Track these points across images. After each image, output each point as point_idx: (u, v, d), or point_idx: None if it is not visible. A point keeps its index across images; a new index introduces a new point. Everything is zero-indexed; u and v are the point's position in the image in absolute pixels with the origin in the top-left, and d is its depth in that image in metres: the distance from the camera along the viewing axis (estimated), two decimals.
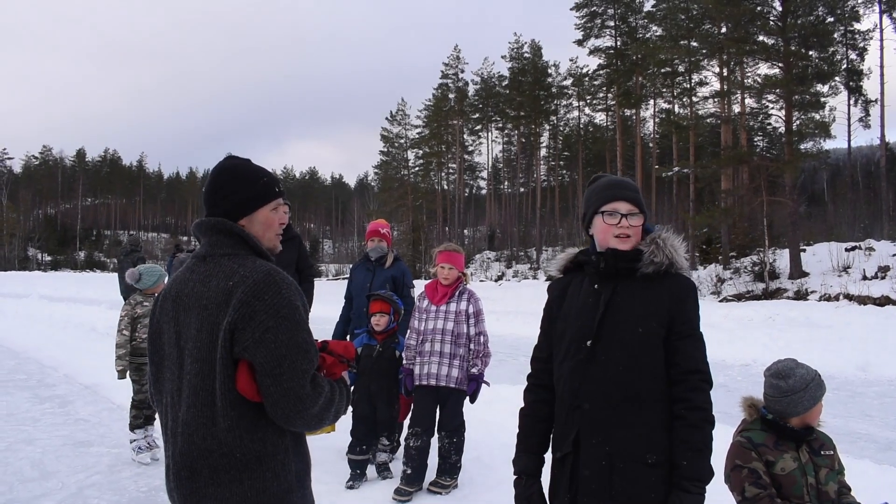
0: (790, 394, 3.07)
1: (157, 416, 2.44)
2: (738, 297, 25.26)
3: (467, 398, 5.60)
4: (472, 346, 5.58)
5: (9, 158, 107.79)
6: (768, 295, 24.75)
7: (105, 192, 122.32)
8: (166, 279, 6.86)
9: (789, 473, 2.98)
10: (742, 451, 3.07)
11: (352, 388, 5.68)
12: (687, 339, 2.45)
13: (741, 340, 14.11)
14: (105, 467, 6.37)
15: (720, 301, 25.42)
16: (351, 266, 7.14)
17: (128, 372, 6.53)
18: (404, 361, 5.74)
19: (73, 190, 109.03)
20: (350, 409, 5.79)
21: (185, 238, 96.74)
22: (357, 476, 5.76)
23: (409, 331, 5.81)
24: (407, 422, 5.76)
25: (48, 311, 20.49)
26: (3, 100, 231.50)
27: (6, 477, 6.05)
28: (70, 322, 17.69)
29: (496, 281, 45.88)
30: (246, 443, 2.15)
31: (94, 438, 7.31)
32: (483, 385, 5.62)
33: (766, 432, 3.09)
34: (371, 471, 5.96)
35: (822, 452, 3.05)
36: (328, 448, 6.12)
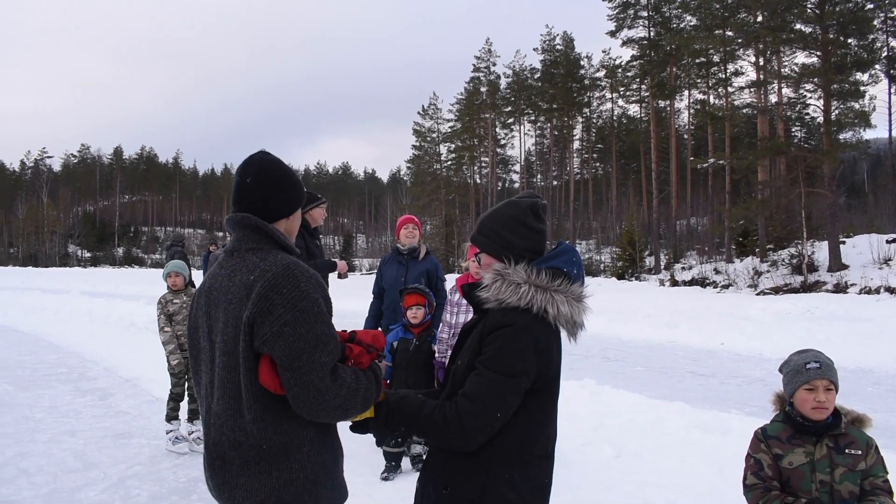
0: (785, 369, 3.14)
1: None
2: (776, 291, 24.94)
3: None
4: None
5: (48, 157, 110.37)
6: (807, 288, 24.42)
7: (142, 189, 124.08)
8: (181, 271, 7.00)
9: (797, 468, 2.97)
10: (753, 441, 3.14)
11: (388, 381, 5.73)
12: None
13: (778, 334, 13.93)
14: (145, 458, 6.48)
15: (757, 294, 25.13)
16: (380, 261, 7.17)
17: (182, 364, 6.73)
18: (437, 355, 5.76)
19: (111, 187, 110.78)
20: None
21: (220, 234, 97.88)
22: (392, 468, 5.81)
23: (441, 324, 5.83)
24: None
25: (88, 306, 20.85)
26: (41, 100, 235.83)
27: (50, 468, 6.18)
28: (110, 317, 18.00)
29: None
30: (270, 435, 2.18)
31: (135, 430, 7.44)
32: None
33: (784, 425, 3.10)
34: (406, 463, 6.01)
35: (847, 451, 2.96)
36: (363, 440, 6.15)
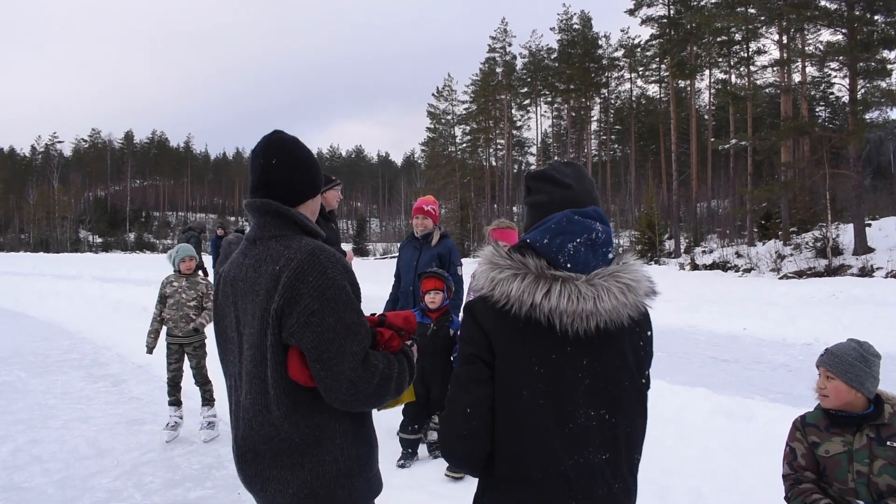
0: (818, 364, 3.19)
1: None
2: (800, 275, 24.75)
3: None
4: None
5: (59, 142, 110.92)
6: (831, 272, 24.22)
7: (153, 174, 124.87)
8: (189, 254, 7.00)
9: (833, 457, 2.98)
10: (791, 430, 3.20)
11: None
12: None
13: (803, 319, 13.80)
14: (158, 445, 6.51)
15: (780, 278, 24.95)
16: (399, 244, 7.15)
17: (154, 348, 6.79)
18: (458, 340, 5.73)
19: (121, 172, 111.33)
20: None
21: (231, 218, 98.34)
22: (408, 455, 5.81)
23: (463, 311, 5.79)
24: None
25: (100, 291, 20.95)
26: (52, 85, 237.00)
27: (62, 454, 6.22)
28: (122, 303, 18.07)
29: None
30: (302, 429, 2.16)
31: (147, 417, 7.47)
32: None
33: (823, 413, 3.10)
34: (422, 450, 6.01)
35: (889, 443, 2.94)
36: (379, 427, 6.10)
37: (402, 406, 5.86)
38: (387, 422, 6.17)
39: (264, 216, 2.28)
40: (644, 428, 2.11)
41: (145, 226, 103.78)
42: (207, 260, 20.52)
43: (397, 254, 7.13)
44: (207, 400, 6.86)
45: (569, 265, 1.97)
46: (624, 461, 2.02)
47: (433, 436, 5.99)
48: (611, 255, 2.04)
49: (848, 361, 3.03)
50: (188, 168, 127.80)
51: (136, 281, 26.47)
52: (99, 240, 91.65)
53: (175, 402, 6.79)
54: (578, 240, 1.99)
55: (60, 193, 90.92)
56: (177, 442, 6.59)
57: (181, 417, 6.81)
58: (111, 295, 19.86)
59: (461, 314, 2.20)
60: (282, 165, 2.32)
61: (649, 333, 2.11)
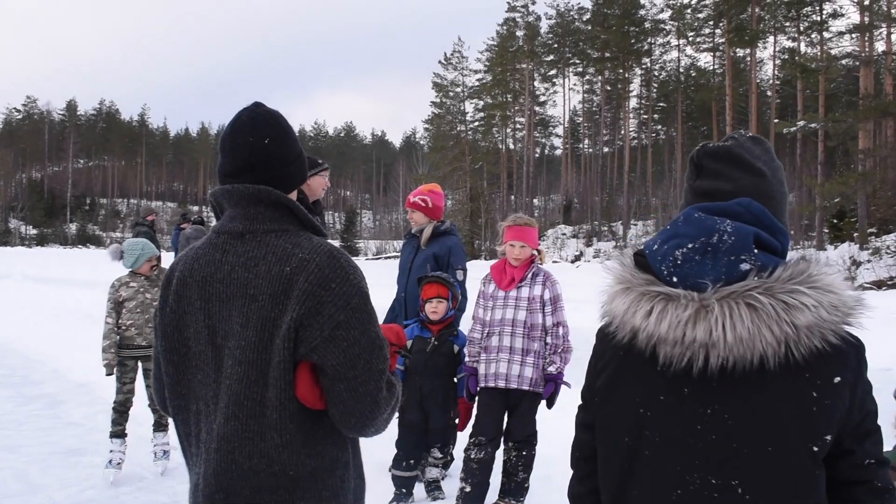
0: None
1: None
2: (879, 285, 24.71)
3: (543, 403, 5.58)
4: (548, 339, 5.55)
5: None
6: None
7: (100, 153, 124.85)
8: (155, 254, 6.97)
9: None
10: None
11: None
12: None
13: (881, 339, 13.74)
14: (100, 480, 6.51)
15: (855, 289, 24.93)
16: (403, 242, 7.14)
17: (115, 366, 6.66)
18: (467, 359, 5.74)
19: (62, 150, 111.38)
20: (396, 415, 5.85)
21: (195, 208, 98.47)
22: (402, 496, 5.81)
23: (473, 321, 5.79)
24: (466, 431, 5.76)
25: (34, 294, 21.03)
26: None
27: None
28: (61, 308, 18.13)
29: (573, 262, 45.69)
30: (302, 458, 2.16)
31: (89, 446, 7.48)
32: (563, 387, 5.59)
33: None
34: (419, 490, 6.01)
35: None
36: (368, 462, 6.07)
37: (396, 438, 5.87)
38: (379, 455, 6.17)
39: (256, 206, 2.25)
40: None
41: (90, 215, 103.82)
42: (167, 256, 20.54)
43: (398, 253, 7.12)
44: (163, 425, 6.86)
45: (674, 279, 1.77)
46: None
47: (432, 473, 5.99)
48: (745, 266, 1.72)
49: None
50: (143, 146, 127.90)
51: (79, 282, 26.53)
52: (33, 231, 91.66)
53: (120, 433, 6.70)
54: (691, 245, 1.77)
55: None
56: (123, 477, 6.59)
57: (124, 453, 6.72)
58: (48, 298, 19.91)
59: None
60: (275, 145, 2.31)
61: (837, 381, 1.70)
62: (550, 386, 5.50)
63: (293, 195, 2.39)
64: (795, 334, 1.64)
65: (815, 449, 1.69)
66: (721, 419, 1.72)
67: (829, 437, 1.70)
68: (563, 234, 57.81)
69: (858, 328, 1.73)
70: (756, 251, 1.72)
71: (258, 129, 2.30)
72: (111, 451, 6.64)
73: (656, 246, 1.84)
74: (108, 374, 6.66)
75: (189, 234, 14.06)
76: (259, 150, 2.28)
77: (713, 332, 1.66)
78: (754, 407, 1.69)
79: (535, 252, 5.72)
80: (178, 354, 2.31)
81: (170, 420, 6.81)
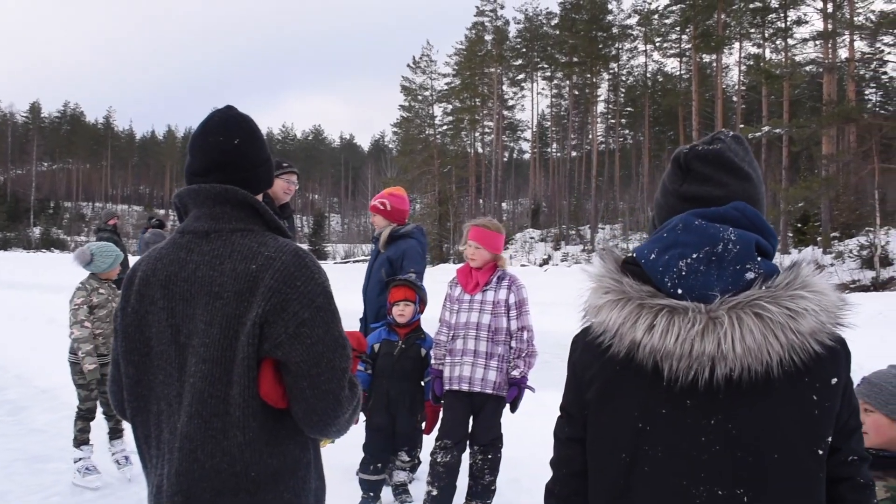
0: None
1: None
2: (841, 288, 24.97)
3: (507, 407, 5.60)
4: (513, 343, 5.57)
5: None
6: (879, 285, 24.54)
7: (65, 156, 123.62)
8: (121, 259, 6.95)
9: None
10: None
11: (366, 392, 5.74)
12: None
13: (850, 339, 13.93)
14: (66, 487, 6.46)
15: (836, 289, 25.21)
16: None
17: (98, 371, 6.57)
18: (433, 361, 5.76)
19: (25, 153, 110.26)
20: (363, 418, 5.86)
21: (161, 211, 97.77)
22: (369, 499, 5.83)
23: (439, 324, 5.81)
24: (433, 434, 5.78)
25: None
26: None
27: None
28: (23, 312, 17.96)
29: (541, 265, 45.79)
30: (265, 458, 2.17)
31: (53, 452, 7.41)
32: (527, 391, 5.61)
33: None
34: (387, 493, 6.03)
35: None
36: (335, 466, 6.15)
37: (364, 441, 5.87)
38: (346, 459, 6.17)
39: (222, 205, 2.27)
40: None
41: (54, 219, 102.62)
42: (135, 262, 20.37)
43: (367, 257, 7.13)
44: (119, 431, 6.84)
45: (679, 291, 1.72)
46: None
47: (400, 476, 6.01)
48: (750, 275, 1.69)
49: (889, 391, 3.03)
50: (108, 149, 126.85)
51: (42, 286, 26.29)
52: None
53: (87, 440, 6.67)
54: (695, 255, 1.72)
55: None
56: (88, 482, 6.52)
57: (91, 458, 6.69)
58: (10, 303, 19.72)
59: None
60: (245, 147, 2.34)
61: (834, 382, 1.72)
62: (514, 390, 5.50)
63: (259, 198, 2.40)
64: (800, 340, 1.64)
65: (820, 452, 1.71)
66: (725, 429, 1.70)
67: (830, 439, 1.72)
68: (532, 237, 57.99)
69: (850, 328, 1.74)
70: (759, 258, 1.71)
71: (229, 131, 2.33)
72: (82, 459, 6.60)
73: (654, 255, 1.78)
74: (92, 379, 6.52)
75: (148, 238, 13.94)
76: (229, 150, 2.31)
77: (722, 344, 1.63)
78: (758, 415, 1.68)
79: (496, 257, 5.70)
80: (138, 354, 2.30)
81: (126, 425, 6.76)
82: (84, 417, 6.69)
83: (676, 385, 1.69)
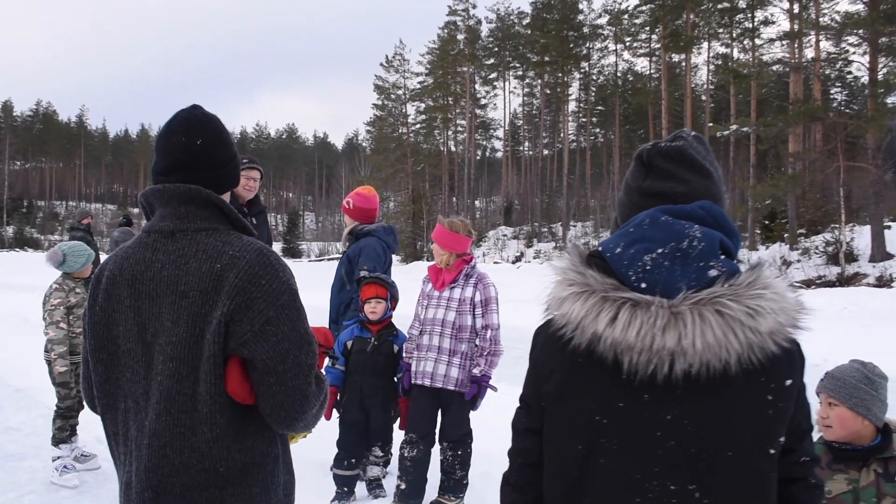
0: None
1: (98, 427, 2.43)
2: (808, 284, 25.22)
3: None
4: (477, 341, 5.60)
5: None
6: (844, 281, 24.76)
7: (38, 155, 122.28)
8: (93, 258, 6.93)
9: (837, 497, 3.03)
10: None
11: (339, 388, 5.76)
12: None
13: (809, 336, 14.03)
14: (41, 485, 6.44)
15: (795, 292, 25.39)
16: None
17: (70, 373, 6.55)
18: (404, 354, 5.81)
19: None
20: (336, 414, 5.89)
21: (135, 210, 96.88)
22: (344, 494, 5.85)
23: (413, 319, 5.84)
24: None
25: None
26: None
27: None
28: None
29: (514, 262, 45.86)
30: (233, 454, 2.19)
31: (28, 451, 7.39)
32: (489, 390, 5.61)
33: (825, 447, 3.16)
34: (361, 488, 6.05)
35: None
36: (310, 461, 6.18)
37: (337, 437, 5.90)
38: (320, 455, 6.20)
39: (187, 205, 2.27)
40: None
41: (27, 218, 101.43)
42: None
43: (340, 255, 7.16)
44: (76, 430, 6.82)
45: (643, 284, 1.71)
46: None
47: (374, 471, 6.05)
48: (713, 273, 1.70)
49: (852, 384, 3.07)
50: (81, 148, 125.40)
51: (16, 286, 26.00)
52: None
53: (65, 438, 6.65)
54: (660, 250, 1.72)
55: None
56: (65, 480, 6.51)
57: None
58: None
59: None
60: (209, 147, 2.34)
61: (788, 383, 1.74)
62: (473, 388, 5.48)
63: (225, 198, 2.41)
64: (759, 339, 1.64)
65: (772, 451, 1.73)
66: (681, 425, 1.70)
67: (782, 439, 1.75)
68: (504, 235, 58.11)
69: (806, 331, 1.76)
70: (722, 256, 1.72)
71: (193, 130, 2.33)
72: (60, 458, 6.58)
73: (619, 249, 1.77)
74: (62, 381, 6.50)
75: (117, 237, 13.86)
76: (193, 149, 2.31)
77: (683, 339, 1.63)
78: (714, 412, 1.69)
79: (460, 256, 5.69)
80: (106, 352, 2.31)
81: (77, 425, 6.77)
82: (63, 416, 6.67)
83: (635, 379, 1.68)
